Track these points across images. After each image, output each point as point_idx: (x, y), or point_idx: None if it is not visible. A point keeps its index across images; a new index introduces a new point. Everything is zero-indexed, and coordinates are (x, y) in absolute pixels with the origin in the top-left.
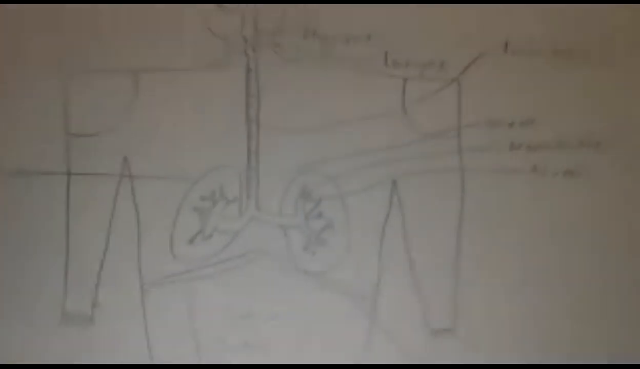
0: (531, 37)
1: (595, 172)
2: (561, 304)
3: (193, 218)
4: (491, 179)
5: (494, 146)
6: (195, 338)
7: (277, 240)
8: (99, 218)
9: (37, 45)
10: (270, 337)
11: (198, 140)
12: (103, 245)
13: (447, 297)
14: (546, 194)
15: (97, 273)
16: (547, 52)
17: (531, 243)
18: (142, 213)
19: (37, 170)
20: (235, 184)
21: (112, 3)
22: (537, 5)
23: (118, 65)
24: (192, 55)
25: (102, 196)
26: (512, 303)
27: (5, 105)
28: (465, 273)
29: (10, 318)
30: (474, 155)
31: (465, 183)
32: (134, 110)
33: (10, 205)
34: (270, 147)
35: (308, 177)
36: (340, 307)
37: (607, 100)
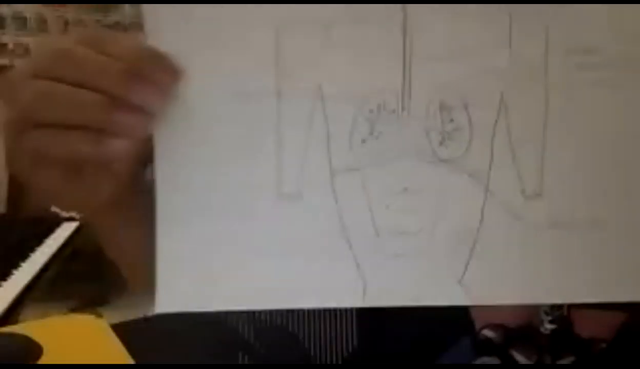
0: None
1: None
2: None
3: (366, 125)
4: None
5: None
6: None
7: (422, 138)
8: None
9: None
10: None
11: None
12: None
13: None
14: None
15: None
16: None
17: None
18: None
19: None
20: (393, 100)
21: None
22: None
23: None
24: None
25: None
26: None
27: None
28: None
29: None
30: None
31: None
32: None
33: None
34: (419, 72)
35: (444, 94)
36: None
37: None
